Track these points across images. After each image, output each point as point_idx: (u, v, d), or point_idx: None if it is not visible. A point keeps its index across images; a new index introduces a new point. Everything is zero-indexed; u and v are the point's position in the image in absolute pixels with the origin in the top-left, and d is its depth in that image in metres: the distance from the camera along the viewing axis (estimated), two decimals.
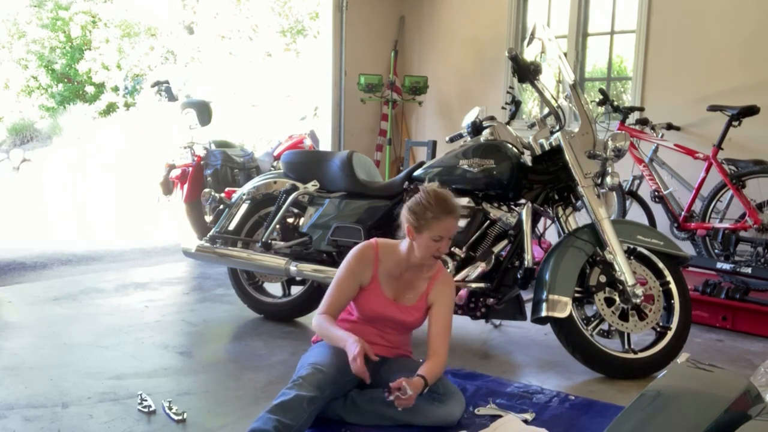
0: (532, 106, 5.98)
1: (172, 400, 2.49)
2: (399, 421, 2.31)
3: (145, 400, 2.48)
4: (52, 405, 2.47)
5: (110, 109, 13.98)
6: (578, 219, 3.06)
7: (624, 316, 2.90)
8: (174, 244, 5.78)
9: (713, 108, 4.31)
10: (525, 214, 2.98)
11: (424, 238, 2.39)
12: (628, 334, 2.91)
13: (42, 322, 3.51)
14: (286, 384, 2.71)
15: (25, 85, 15.18)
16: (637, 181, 4.67)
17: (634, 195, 4.66)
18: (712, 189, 4.32)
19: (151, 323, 3.53)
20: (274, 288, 3.75)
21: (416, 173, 3.23)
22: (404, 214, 2.44)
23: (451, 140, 3.31)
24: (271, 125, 10.12)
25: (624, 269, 2.85)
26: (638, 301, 2.86)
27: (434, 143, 5.47)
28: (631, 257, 2.98)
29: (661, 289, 2.96)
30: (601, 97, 4.62)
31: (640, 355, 2.89)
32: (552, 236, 3.41)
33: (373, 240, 2.53)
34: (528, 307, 2.99)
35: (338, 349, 2.34)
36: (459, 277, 3.02)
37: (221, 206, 3.68)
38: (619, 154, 2.93)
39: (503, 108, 3.54)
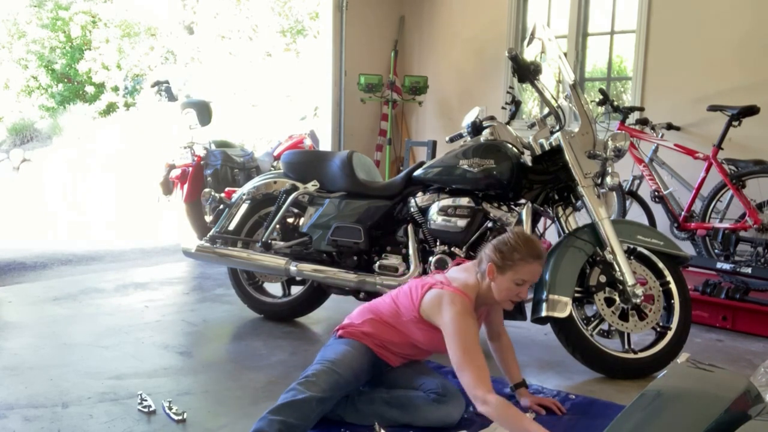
0: (532, 106, 5.98)
1: (172, 400, 2.49)
2: (398, 421, 2.31)
3: (145, 400, 2.48)
4: (52, 405, 2.47)
5: (110, 109, 13.98)
6: (578, 219, 3.06)
7: (624, 316, 2.89)
8: (174, 244, 5.79)
9: (713, 108, 4.31)
10: (525, 214, 2.98)
11: (506, 279, 2.32)
12: (628, 334, 2.91)
13: (42, 322, 3.52)
14: (286, 384, 2.71)
15: (25, 85, 15.19)
16: (637, 181, 4.68)
17: (634, 195, 4.66)
18: (712, 189, 4.32)
19: (151, 323, 3.53)
20: (274, 288, 3.75)
21: (416, 173, 3.23)
22: (488, 253, 2.36)
23: (451, 140, 3.31)
24: (271, 125, 10.13)
25: (624, 269, 2.85)
26: (638, 301, 2.86)
27: (434, 143, 5.47)
28: (631, 257, 2.98)
29: (661, 289, 2.96)
30: (601, 97, 4.62)
31: (640, 355, 2.89)
32: (552, 236, 3.41)
33: (458, 292, 2.33)
34: (528, 307, 2.99)
35: (360, 353, 2.35)
36: None
37: (221, 206, 3.68)
38: (619, 154, 2.93)
39: (503, 108, 3.54)
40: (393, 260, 3.20)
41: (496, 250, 2.34)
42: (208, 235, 3.61)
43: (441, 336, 2.30)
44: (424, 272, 3.10)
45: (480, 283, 2.38)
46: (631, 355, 2.88)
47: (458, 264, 2.60)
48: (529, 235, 2.43)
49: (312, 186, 3.45)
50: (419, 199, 3.18)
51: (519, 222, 3.01)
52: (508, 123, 3.22)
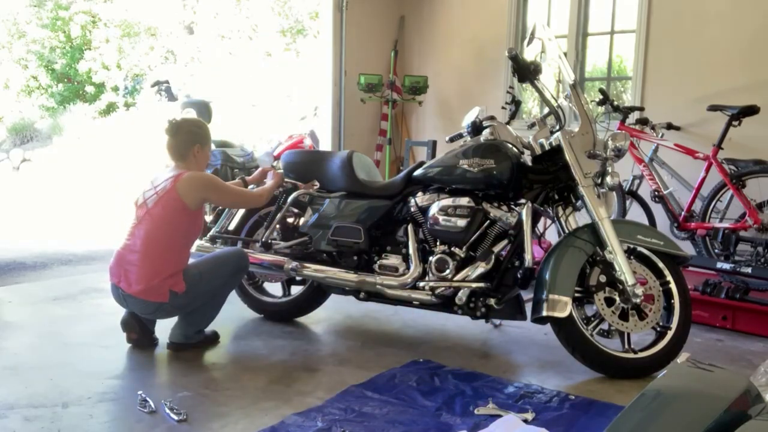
0: (532, 106, 5.98)
1: (172, 400, 2.49)
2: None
3: (145, 400, 2.48)
4: (52, 405, 2.48)
5: (110, 109, 13.98)
6: (578, 219, 3.06)
7: (624, 316, 2.90)
8: None
9: (713, 108, 4.31)
10: (525, 213, 2.98)
11: (206, 151, 3.18)
12: (628, 334, 2.91)
13: (42, 322, 3.52)
14: (286, 384, 2.72)
15: (25, 85, 15.20)
16: (637, 181, 4.67)
17: (634, 195, 4.66)
18: (712, 189, 4.32)
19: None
20: (274, 288, 3.75)
21: (416, 173, 3.23)
22: (186, 139, 3.13)
23: (451, 140, 3.31)
24: (271, 125, 10.13)
25: (624, 269, 2.85)
26: (638, 300, 2.86)
27: (434, 143, 5.47)
28: (631, 257, 2.98)
29: (661, 288, 2.96)
30: (601, 96, 4.62)
31: (640, 354, 2.89)
32: (552, 236, 3.41)
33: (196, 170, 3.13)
34: (528, 307, 2.99)
35: None
36: (459, 277, 3.02)
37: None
38: (619, 153, 2.93)
39: (503, 108, 3.54)
40: (393, 260, 3.20)
41: (193, 134, 3.16)
42: (208, 235, 3.61)
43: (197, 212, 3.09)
44: (424, 272, 3.11)
45: (187, 165, 3.11)
46: (631, 355, 2.88)
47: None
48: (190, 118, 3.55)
49: (312, 186, 3.46)
50: (419, 198, 3.18)
51: (519, 222, 3.01)
52: (508, 123, 3.23)
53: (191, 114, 5.40)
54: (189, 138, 3.12)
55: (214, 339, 3.25)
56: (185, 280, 3.01)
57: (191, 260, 3.17)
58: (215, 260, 3.18)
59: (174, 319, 3.16)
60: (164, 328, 3.18)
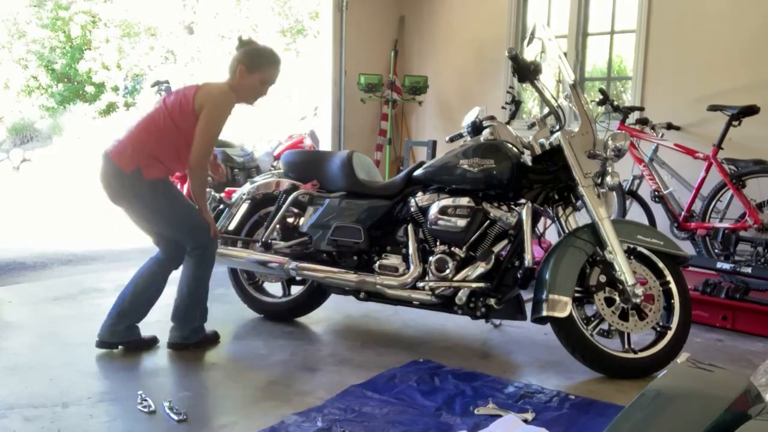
0: (532, 106, 5.98)
1: (172, 400, 2.49)
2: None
3: (145, 400, 2.48)
4: (52, 405, 2.47)
5: (110, 109, 14.00)
6: (578, 219, 3.06)
7: (624, 316, 2.89)
8: None
9: (713, 108, 4.31)
10: (525, 213, 2.98)
11: (254, 79, 3.06)
12: (628, 334, 2.91)
13: (42, 322, 3.52)
14: (286, 384, 2.72)
15: (25, 85, 15.21)
16: (637, 181, 4.67)
17: (634, 195, 4.66)
18: (712, 189, 4.32)
19: (151, 323, 3.52)
20: (274, 288, 3.75)
21: (416, 173, 3.23)
22: (237, 57, 3.05)
23: (451, 140, 3.31)
24: (271, 125, 10.13)
25: (624, 269, 2.85)
26: (638, 300, 2.86)
27: (434, 143, 5.47)
28: (631, 257, 2.98)
29: (661, 288, 2.96)
30: (601, 96, 4.62)
31: (640, 354, 2.89)
32: (552, 236, 3.41)
33: (229, 89, 3.03)
34: (528, 307, 2.99)
35: None
36: (459, 277, 3.02)
37: (221, 206, 3.68)
38: (619, 153, 2.93)
39: (503, 108, 3.54)
40: (393, 260, 3.20)
41: (246, 54, 3.04)
42: None
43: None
44: (424, 272, 3.11)
45: (230, 82, 3.05)
46: (631, 355, 2.88)
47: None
48: (267, 46, 3.15)
49: (312, 186, 3.46)
50: (419, 198, 3.18)
51: (519, 222, 3.01)
52: (508, 123, 3.23)
53: None
54: (241, 57, 3.06)
55: (214, 339, 3.24)
56: (154, 181, 2.98)
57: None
58: (187, 209, 3.11)
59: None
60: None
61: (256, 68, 3.06)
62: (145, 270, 3.18)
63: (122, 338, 3.08)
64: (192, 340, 3.14)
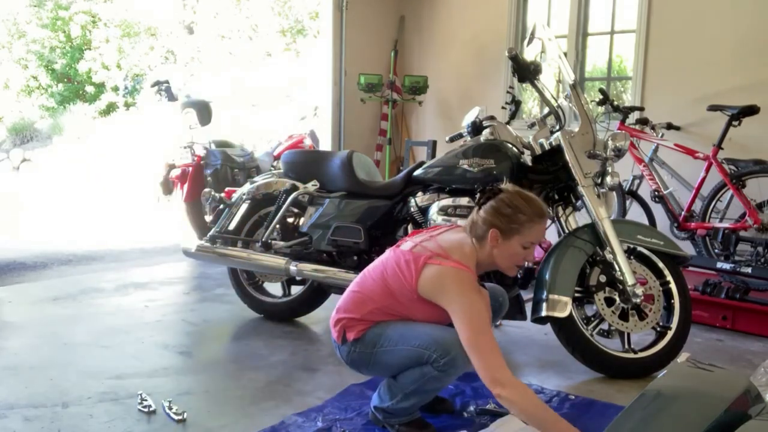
0: (532, 106, 5.98)
1: (172, 400, 2.49)
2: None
3: (145, 400, 2.48)
4: (52, 405, 2.47)
5: (110, 108, 13.99)
6: (578, 219, 3.06)
7: (624, 316, 2.89)
8: (174, 244, 5.78)
9: (713, 108, 4.31)
10: None
11: (513, 245, 2.15)
12: (628, 334, 2.91)
13: (42, 322, 3.51)
14: (286, 384, 2.72)
15: (25, 85, 15.21)
16: (637, 181, 4.67)
17: (634, 195, 4.66)
18: (712, 189, 4.32)
19: (152, 323, 3.53)
20: (274, 288, 3.74)
21: (416, 173, 3.23)
22: (486, 217, 2.16)
23: (451, 140, 3.31)
24: (271, 125, 10.12)
25: (624, 269, 2.85)
26: (638, 300, 2.86)
27: (434, 143, 5.47)
28: (631, 257, 2.98)
29: (661, 288, 2.96)
30: (601, 96, 4.62)
31: (640, 354, 2.89)
32: (552, 236, 3.41)
33: (461, 266, 2.12)
34: (528, 307, 2.99)
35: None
36: None
37: (221, 206, 3.68)
38: (619, 153, 2.93)
39: (503, 108, 3.53)
40: None
41: (498, 213, 2.14)
42: (208, 235, 3.61)
43: (445, 312, 2.10)
44: None
45: (478, 250, 2.18)
46: (631, 355, 2.88)
47: (415, 235, 2.35)
48: (528, 193, 2.21)
49: (312, 186, 3.45)
50: (419, 198, 3.18)
51: None
52: (508, 123, 3.22)
53: (191, 114, 5.40)
54: (494, 215, 2.18)
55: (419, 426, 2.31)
56: (364, 331, 2.22)
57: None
58: (411, 326, 2.21)
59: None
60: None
61: (514, 232, 2.18)
62: None
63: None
64: (384, 419, 2.30)
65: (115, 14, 14.57)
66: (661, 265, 2.98)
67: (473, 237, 2.20)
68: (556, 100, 3.10)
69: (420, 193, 3.19)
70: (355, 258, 3.29)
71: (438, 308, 2.12)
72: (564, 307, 2.79)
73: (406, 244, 2.26)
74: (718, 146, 4.26)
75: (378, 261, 2.30)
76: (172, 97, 6.04)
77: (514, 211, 2.15)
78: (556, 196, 3.07)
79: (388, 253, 2.28)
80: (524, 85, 3.10)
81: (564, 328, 2.86)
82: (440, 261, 2.12)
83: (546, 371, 2.96)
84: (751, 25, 4.54)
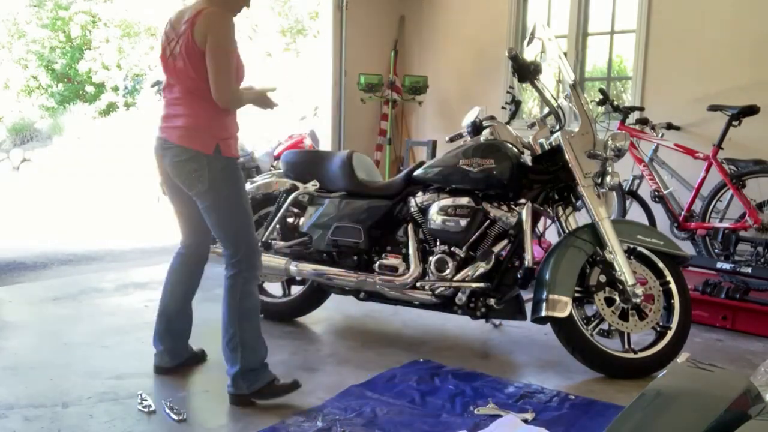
0: (532, 106, 5.98)
1: (172, 400, 2.49)
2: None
3: (145, 400, 2.48)
4: (52, 405, 2.48)
5: (110, 108, 13.98)
6: (578, 219, 3.06)
7: (624, 316, 2.90)
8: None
9: (713, 108, 4.31)
10: (525, 213, 2.98)
11: None
12: (628, 334, 2.91)
13: (42, 322, 3.52)
14: None
15: (25, 85, 15.20)
16: (637, 181, 4.67)
17: (634, 195, 4.65)
18: (712, 189, 4.32)
19: (152, 323, 3.50)
20: (274, 288, 3.75)
21: (416, 173, 3.23)
22: None
23: (451, 140, 3.31)
24: (271, 125, 10.12)
25: (624, 269, 2.85)
26: (638, 300, 2.87)
27: (434, 143, 5.47)
28: (631, 257, 2.98)
29: (661, 288, 2.96)
30: (601, 96, 4.62)
31: (640, 354, 2.89)
32: (552, 236, 3.41)
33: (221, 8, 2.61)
34: (528, 307, 2.99)
35: None
36: (459, 277, 3.02)
37: None
38: (619, 153, 2.94)
39: (503, 108, 3.54)
40: (393, 260, 3.20)
41: None
42: None
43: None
44: (424, 272, 3.11)
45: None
46: (631, 355, 2.88)
47: None
48: None
49: (312, 186, 3.46)
50: (419, 198, 3.18)
51: (519, 222, 3.01)
52: (508, 123, 3.23)
53: None
54: None
55: (290, 387, 2.60)
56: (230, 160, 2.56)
57: None
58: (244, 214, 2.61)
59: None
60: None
61: None
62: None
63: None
64: (242, 389, 2.52)
65: (115, 14, 14.57)
66: (661, 265, 2.98)
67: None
68: (556, 100, 3.10)
69: (420, 193, 3.20)
70: (355, 258, 3.29)
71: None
72: (564, 307, 2.79)
73: None
74: (718, 146, 4.26)
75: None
76: None
77: None
78: (556, 196, 3.08)
79: None
80: (524, 85, 3.11)
81: (564, 328, 2.86)
82: (198, 12, 2.55)
83: (546, 371, 2.96)
84: (751, 25, 4.54)
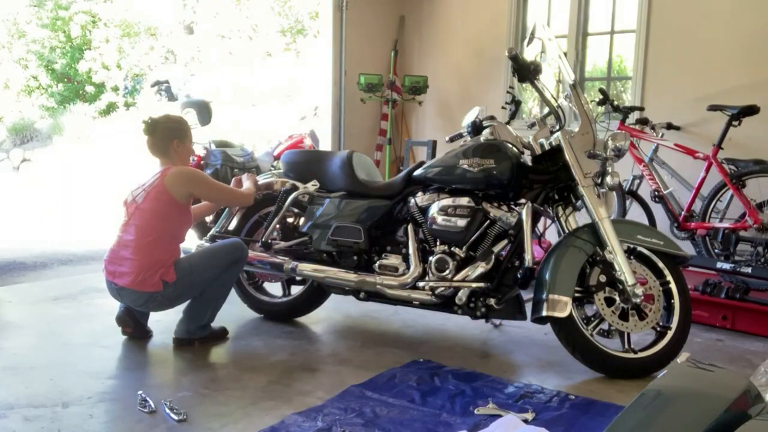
0: (532, 106, 5.98)
1: (172, 400, 2.49)
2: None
3: (145, 400, 2.48)
4: (52, 405, 2.47)
5: (110, 108, 13.97)
6: (578, 219, 3.06)
7: (624, 316, 2.89)
8: None
9: (713, 108, 4.31)
10: (525, 213, 2.98)
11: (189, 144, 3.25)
12: (628, 334, 2.91)
13: (42, 322, 3.52)
14: (286, 384, 2.72)
15: (25, 85, 15.20)
16: (637, 181, 4.67)
17: (634, 195, 4.66)
18: (712, 189, 4.32)
19: (151, 323, 3.52)
20: (274, 288, 3.74)
21: (416, 173, 3.23)
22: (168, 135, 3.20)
23: (451, 140, 3.31)
24: (271, 125, 10.12)
25: (624, 269, 2.85)
26: (638, 300, 2.86)
27: (434, 143, 5.47)
28: (631, 257, 2.98)
29: (661, 288, 2.96)
30: (601, 96, 4.62)
31: (640, 354, 2.89)
32: (552, 236, 3.41)
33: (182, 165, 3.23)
34: (528, 307, 2.99)
35: None
36: (459, 277, 3.02)
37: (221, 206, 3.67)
38: (619, 153, 2.93)
39: (503, 108, 3.54)
40: (393, 260, 3.20)
41: (171, 130, 3.20)
42: (208, 235, 3.61)
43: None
44: (424, 272, 3.11)
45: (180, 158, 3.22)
46: (631, 355, 2.88)
47: None
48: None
49: (312, 186, 3.45)
50: (419, 198, 3.18)
51: (519, 222, 3.01)
52: (508, 123, 3.22)
53: (191, 114, 5.40)
54: (167, 134, 3.17)
55: (221, 335, 3.31)
56: (176, 270, 3.07)
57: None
58: (207, 251, 3.25)
59: (177, 315, 3.16)
60: (167, 326, 3.18)
61: (185, 134, 3.24)
62: None
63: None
64: (197, 335, 3.21)
65: (115, 14, 14.57)
66: (661, 265, 2.98)
67: (161, 157, 3.19)
68: (556, 100, 3.10)
69: (420, 193, 3.20)
70: (355, 258, 3.29)
71: (185, 205, 3.16)
72: (564, 307, 2.79)
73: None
74: (718, 146, 4.26)
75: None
76: (172, 97, 6.06)
77: (178, 125, 3.23)
78: (556, 196, 3.07)
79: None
80: (524, 85, 3.10)
81: (564, 328, 2.86)
82: (166, 170, 3.15)
83: (546, 371, 2.96)
84: (751, 25, 4.54)
